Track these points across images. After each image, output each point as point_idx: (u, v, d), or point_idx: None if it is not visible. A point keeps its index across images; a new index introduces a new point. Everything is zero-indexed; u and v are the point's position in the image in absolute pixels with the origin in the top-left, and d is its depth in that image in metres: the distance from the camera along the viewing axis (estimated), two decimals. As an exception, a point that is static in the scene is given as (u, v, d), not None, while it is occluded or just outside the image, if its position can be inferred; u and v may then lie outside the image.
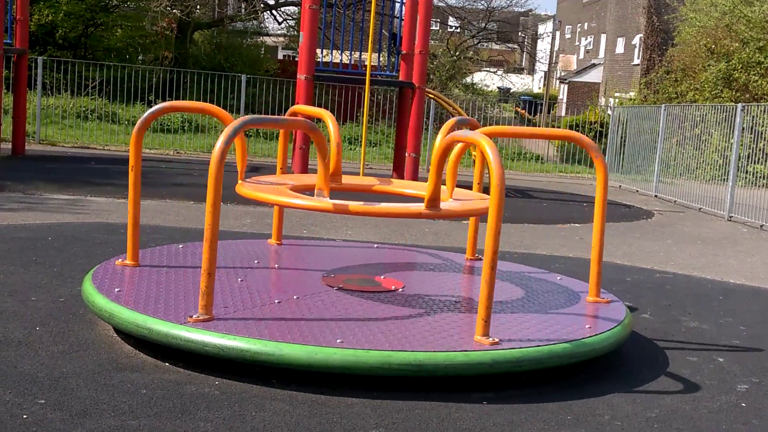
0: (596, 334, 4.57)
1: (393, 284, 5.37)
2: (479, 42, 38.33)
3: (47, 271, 5.99)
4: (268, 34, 34.41)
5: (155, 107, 5.25)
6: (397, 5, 14.54)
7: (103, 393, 3.73)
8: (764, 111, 14.31)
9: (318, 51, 13.53)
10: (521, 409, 3.93)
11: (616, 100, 31.56)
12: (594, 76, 48.47)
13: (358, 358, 3.93)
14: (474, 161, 14.44)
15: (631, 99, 30.24)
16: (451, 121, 5.43)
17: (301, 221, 9.51)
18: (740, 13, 23.33)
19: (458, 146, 5.64)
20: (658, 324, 5.88)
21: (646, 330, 5.64)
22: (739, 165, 14.13)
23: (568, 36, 61.94)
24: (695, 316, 6.22)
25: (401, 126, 13.76)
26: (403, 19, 13.58)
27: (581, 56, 56.84)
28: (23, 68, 14.27)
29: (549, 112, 35.57)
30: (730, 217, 13.45)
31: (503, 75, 47.91)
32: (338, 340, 4.06)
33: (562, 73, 56.41)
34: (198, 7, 28.23)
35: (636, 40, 37.93)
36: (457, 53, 33.79)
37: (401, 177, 13.16)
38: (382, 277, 5.59)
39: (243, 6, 29.90)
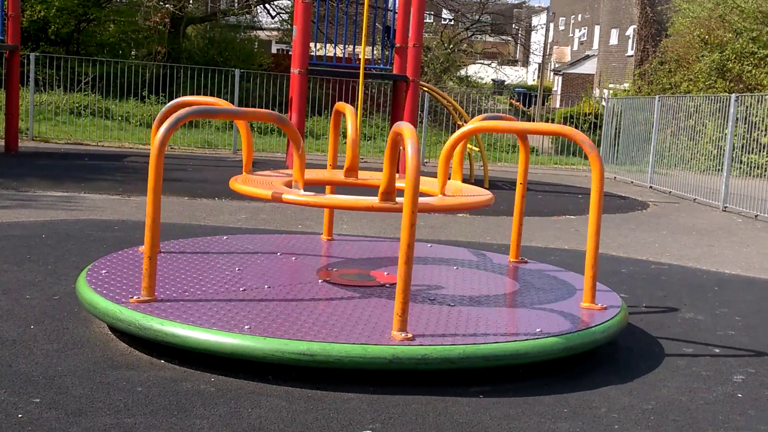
0: (528, 339, 4.27)
1: (387, 279, 5.35)
2: (473, 34, 38.25)
3: (41, 268, 5.97)
4: (261, 28, 34.31)
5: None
6: (391, -2, 14.51)
7: (98, 391, 3.72)
8: (758, 101, 14.32)
9: (311, 45, 13.50)
10: (518, 403, 3.93)
11: (611, 92, 31.56)
12: (588, 67, 48.50)
13: (253, 344, 3.96)
14: (469, 155, 14.43)
15: (625, 90, 30.25)
16: (478, 117, 5.43)
17: (297, 216, 9.50)
18: (733, 4, 23.33)
19: (453, 139, 5.63)
20: (654, 315, 5.88)
21: (641, 321, 5.64)
22: (734, 155, 14.13)
23: (561, 28, 61.93)
24: (690, 307, 6.23)
25: (395, 119, 13.74)
26: (396, 12, 13.56)
27: (575, 48, 56.86)
28: (15, 64, 14.21)
29: (543, 104, 35.56)
30: (725, 207, 13.46)
31: (497, 67, 47.85)
32: (246, 327, 4.10)
33: (557, 65, 56.40)
34: (191, 1, 28.15)
35: (630, 32, 37.95)
36: (451, 46, 33.72)
37: (396, 171, 13.13)
38: (385, 273, 5.54)
39: (236, 0, 29.83)
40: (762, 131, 14.62)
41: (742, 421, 3.91)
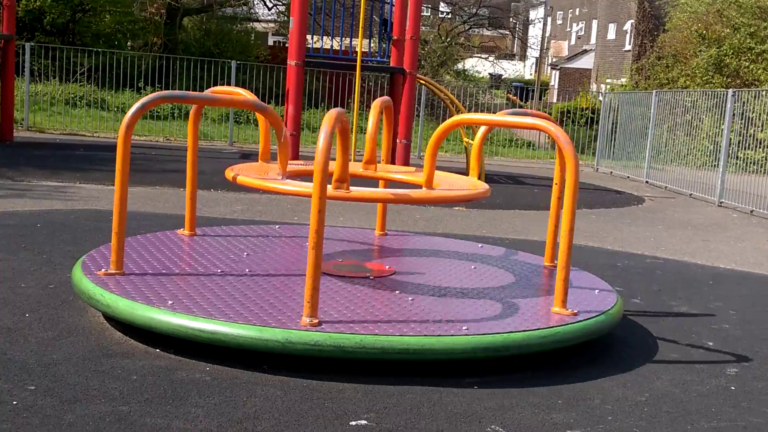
0: (436, 336, 4.10)
1: (380, 273, 5.33)
2: (470, 28, 38.28)
3: (36, 258, 5.97)
4: (258, 20, 34.26)
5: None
6: (388, -9, 14.48)
7: (93, 379, 3.72)
8: (755, 97, 14.33)
9: (308, 37, 13.47)
10: (512, 394, 3.94)
11: (608, 86, 31.56)
12: (585, 62, 48.51)
13: (161, 317, 4.10)
14: (465, 149, 14.43)
15: (622, 85, 30.25)
16: (503, 112, 5.37)
17: (294, 208, 9.50)
18: (731, -1, 23.34)
19: (482, 129, 5.61)
20: (649, 309, 5.90)
21: (636, 315, 5.66)
22: (730, 151, 14.15)
23: (559, 22, 61.91)
24: (685, 301, 6.24)
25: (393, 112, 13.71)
26: (393, 5, 13.53)
27: (573, 42, 56.86)
28: (11, 54, 14.18)
29: (540, 99, 35.56)
30: (721, 202, 13.49)
31: (495, 61, 47.87)
32: (170, 302, 4.24)
33: (554, 60, 56.40)
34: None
35: (627, 26, 37.94)
36: (449, 39, 33.72)
37: (393, 163, 13.14)
38: (386, 267, 5.52)
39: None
40: (759, 127, 14.64)
41: (735, 414, 3.93)
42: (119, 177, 4.72)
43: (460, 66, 37.18)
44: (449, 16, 38.08)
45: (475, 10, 36.16)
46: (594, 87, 37.25)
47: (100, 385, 3.66)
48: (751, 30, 22.78)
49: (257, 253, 5.70)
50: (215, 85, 19.18)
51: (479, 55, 44.67)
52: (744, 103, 14.36)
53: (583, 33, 54.24)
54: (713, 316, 5.84)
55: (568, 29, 58.79)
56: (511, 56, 65.09)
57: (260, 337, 3.96)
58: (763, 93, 14.20)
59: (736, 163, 14.70)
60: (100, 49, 20.79)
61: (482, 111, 23.57)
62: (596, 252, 8.11)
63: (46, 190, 9.45)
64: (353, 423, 3.48)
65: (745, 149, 14.99)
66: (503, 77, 47.19)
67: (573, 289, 5.18)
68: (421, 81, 14.64)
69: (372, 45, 14.92)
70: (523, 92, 38.01)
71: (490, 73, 46.99)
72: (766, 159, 14.05)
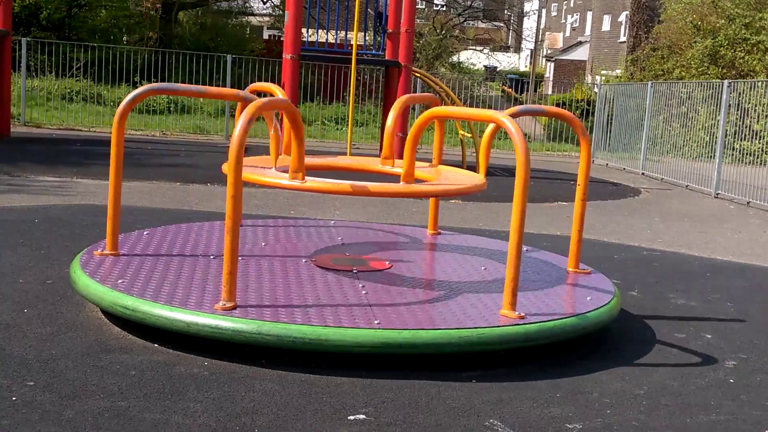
0: (341, 328, 4.04)
1: (375, 267, 5.32)
2: (465, 20, 38.24)
3: (34, 253, 5.97)
4: (253, 14, 34.21)
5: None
6: (383, -16, 14.45)
7: (92, 374, 3.73)
8: (751, 87, 14.34)
9: (303, 30, 13.46)
10: (510, 387, 3.95)
11: (603, 78, 31.56)
12: (580, 53, 48.47)
13: (127, 302, 4.23)
14: (461, 141, 14.43)
15: (617, 76, 30.27)
16: (513, 109, 5.32)
17: (290, 202, 9.50)
18: (726, -10, 23.35)
19: (490, 126, 5.52)
20: (646, 301, 5.91)
21: (633, 307, 5.67)
22: (726, 142, 14.17)
23: (554, 14, 61.84)
24: (683, 293, 6.25)
25: (388, 105, 13.72)
26: (389, -2, 13.51)
27: (567, 34, 56.80)
28: (7, 50, 14.14)
29: (535, 91, 35.55)
30: (717, 194, 13.50)
31: (489, 53, 47.84)
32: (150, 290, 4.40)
33: (549, 51, 56.38)
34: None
35: (622, 17, 37.90)
36: (443, 32, 33.70)
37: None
38: (387, 263, 5.46)
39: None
40: (754, 118, 14.66)
41: (734, 406, 3.94)
42: (114, 167, 4.96)
43: (455, 58, 37.17)
44: (444, 8, 38.03)
45: (469, 3, 36.14)
46: (589, 79, 37.26)
47: (98, 381, 3.66)
48: (746, 21, 22.79)
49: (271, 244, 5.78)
50: (211, 79, 19.16)
51: (474, 47, 44.63)
52: (740, 94, 14.37)
53: (577, 25, 54.17)
54: (711, 308, 5.85)
55: (563, 21, 58.72)
56: (506, 48, 65.06)
57: (170, 318, 4.08)
58: (759, 84, 14.21)
59: (733, 155, 14.72)
60: (96, 44, 20.76)
61: (477, 104, 23.56)
62: (593, 244, 8.12)
63: (43, 185, 9.44)
64: (352, 417, 3.49)
65: (741, 140, 15.02)
66: (498, 69, 47.22)
67: (572, 286, 5.20)
68: (417, 74, 14.63)
69: (367, 38, 14.90)
70: (518, 84, 38.00)
71: (485, 66, 46.98)
72: (762, 150, 14.07)
